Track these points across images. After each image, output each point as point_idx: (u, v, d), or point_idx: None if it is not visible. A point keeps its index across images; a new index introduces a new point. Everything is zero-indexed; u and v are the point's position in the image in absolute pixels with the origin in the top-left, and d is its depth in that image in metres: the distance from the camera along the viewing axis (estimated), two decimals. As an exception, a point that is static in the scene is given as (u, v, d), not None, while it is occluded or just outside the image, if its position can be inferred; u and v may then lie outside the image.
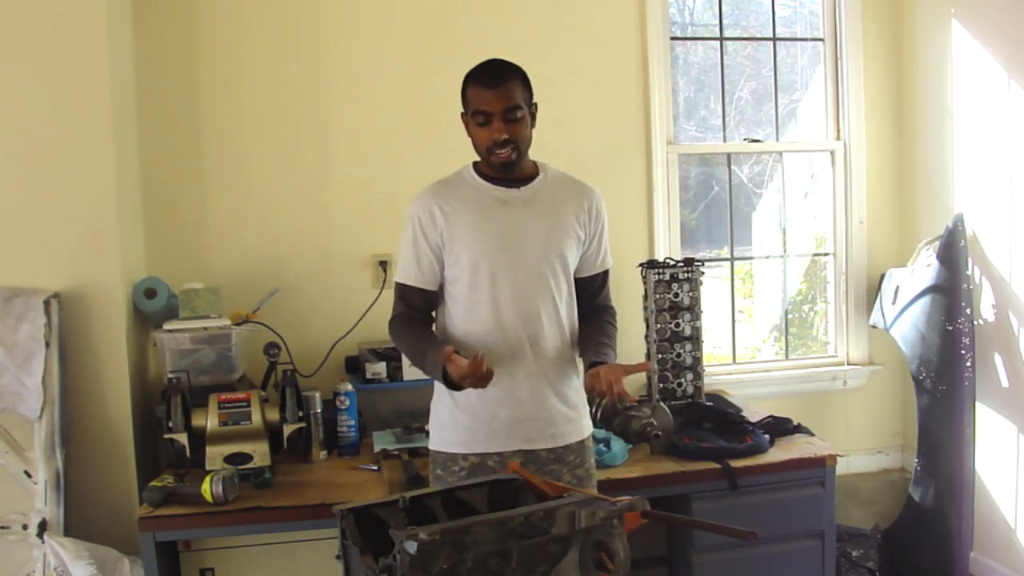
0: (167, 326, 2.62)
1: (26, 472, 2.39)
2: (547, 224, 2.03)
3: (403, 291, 2.08)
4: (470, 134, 2.03)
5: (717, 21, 3.46)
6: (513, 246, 2.00)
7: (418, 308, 2.08)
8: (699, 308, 2.99)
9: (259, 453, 2.44)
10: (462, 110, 2.05)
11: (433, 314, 2.13)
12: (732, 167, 3.51)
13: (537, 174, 2.08)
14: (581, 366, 2.16)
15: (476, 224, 2.01)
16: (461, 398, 2.02)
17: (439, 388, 2.09)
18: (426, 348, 2.00)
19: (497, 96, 1.96)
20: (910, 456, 3.37)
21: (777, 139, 3.53)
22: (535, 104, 2.05)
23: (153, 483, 2.28)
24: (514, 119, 1.97)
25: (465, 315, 2.03)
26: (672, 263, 2.99)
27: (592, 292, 2.15)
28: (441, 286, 2.08)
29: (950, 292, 2.99)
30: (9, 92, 2.44)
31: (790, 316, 3.65)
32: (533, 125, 2.04)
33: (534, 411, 2.02)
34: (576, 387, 2.11)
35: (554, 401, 2.04)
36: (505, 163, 1.99)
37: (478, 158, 2.07)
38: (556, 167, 2.14)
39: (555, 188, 2.08)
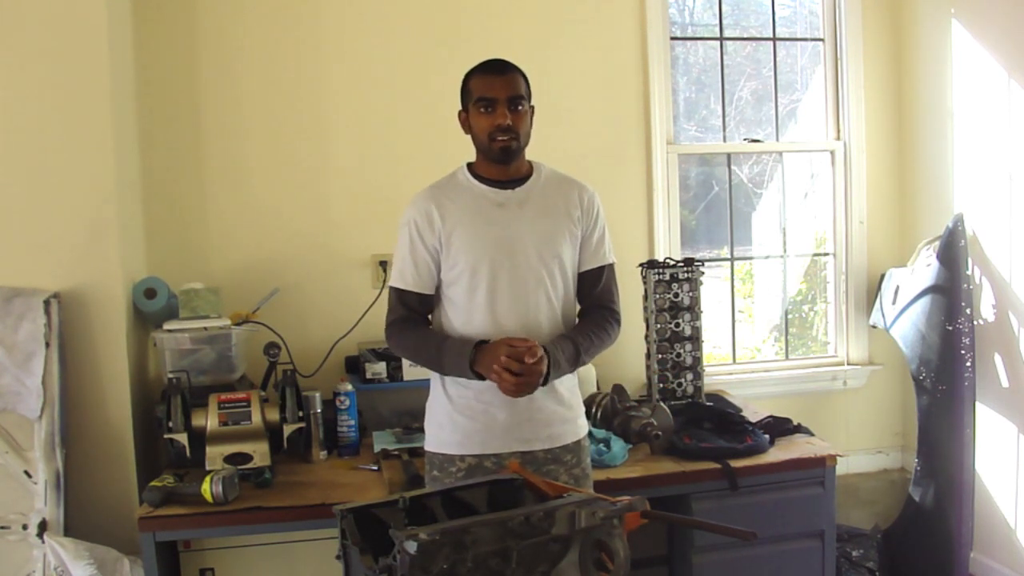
0: (167, 326, 2.62)
1: (26, 472, 2.39)
2: (543, 225, 2.03)
3: (401, 295, 2.07)
4: (469, 128, 2.04)
5: (717, 21, 3.46)
6: (510, 249, 2.00)
7: (417, 311, 2.08)
8: (699, 308, 2.99)
9: (259, 453, 2.44)
10: (460, 108, 2.05)
11: (429, 317, 2.13)
12: (732, 167, 3.51)
13: (531, 174, 2.08)
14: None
15: (473, 228, 2.01)
16: (458, 399, 2.02)
17: (435, 389, 2.09)
18: (440, 343, 2.00)
19: (503, 84, 1.98)
20: (910, 456, 3.37)
21: (777, 139, 3.53)
22: (533, 107, 2.05)
23: (153, 483, 2.28)
24: (517, 109, 1.98)
25: (463, 318, 2.03)
26: (672, 263, 2.99)
27: (590, 287, 2.13)
28: (437, 289, 2.09)
29: (950, 292, 2.99)
30: (9, 92, 2.44)
31: (790, 316, 3.65)
32: (531, 126, 2.05)
33: (531, 413, 2.01)
34: (572, 387, 2.11)
35: (551, 402, 2.04)
36: (504, 149, 1.98)
37: (475, 159, 2.08)
38: (555, 167, 2.14)
39: (549, 188, 2.08)
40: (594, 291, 2.13)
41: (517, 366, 1.88)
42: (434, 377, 2.09)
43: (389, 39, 3.06)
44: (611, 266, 2.15)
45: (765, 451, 2.58)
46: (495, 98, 1.97)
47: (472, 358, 1.93)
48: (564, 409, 2.07)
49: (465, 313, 2.02)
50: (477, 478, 1.87)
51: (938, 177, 3.31)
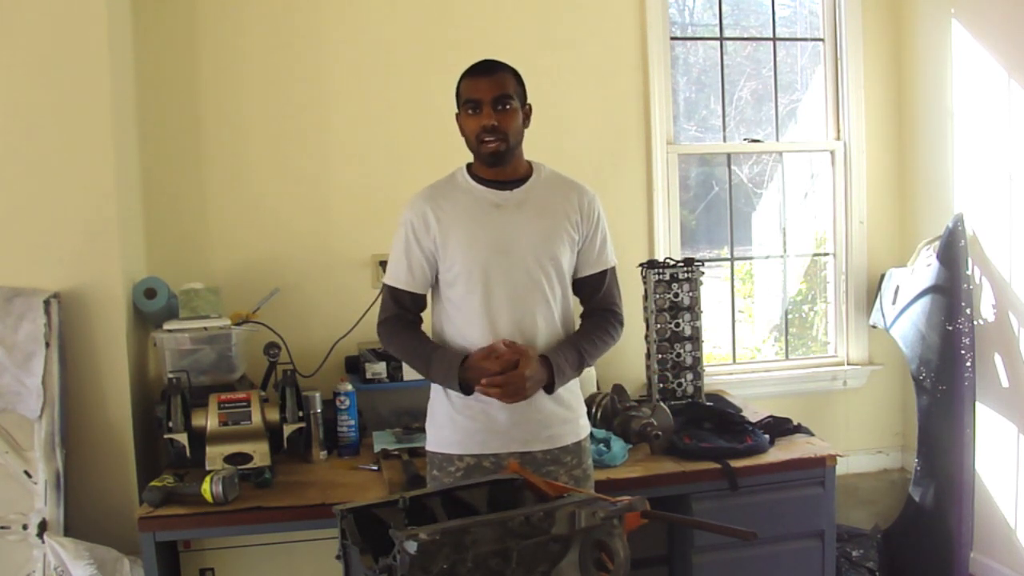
0: (167, 326, 2.62)
1: (26, 472, 2.39)
2: (540, 227, 2.03)
3: (394, 293, 2.08)
4: (462, 131, 2.04)
5: (717, 21, 3.46)
6: (506, 250, 2.00)
7: (410, 310, 2.09)
8: (699, 308, 2.99)
9: (259, 453, 2.44)
10: (456, 111, 2.05)
11: (422, 316, 2.13)
12: (732, 167, 3.51)
13: (531, 175, 2.08)
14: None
15: (470, 229, 2.01)
16: (458, 400, 2.02)
17: (435, 389, 2.10)
18: (429, 354, 2.02)
19: (488, 84, 1.98)
20: (910, 456, 3.37)
21: (777, 139, 3.53)
22: (529, 105, 2.05)
23: (153, 483, 2.28)
24: (504, 109, 1.97)
25: (460, 319, 2.03)
26: (672, 263, 2.99)
27: (591, 291, 2.14)
28: (433, 290, 2.09)
29: (950, 292, 2.99)
30: (9, 92, 2.44)
31: (790, 316, 3.65)
32: (526, 125, 2.05)
33: (530, 413, 2.01)
34: (572, 388, 2.11)
35: (550, 403, 2.04)
36: (493, 153, 1.98)
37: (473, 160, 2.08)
38: (554, 167, 2.14)
39: (548, 189, 2.08)
40: (597, 295, 2.14)
41: (501, 379, 1.91)
42: None
43: (389, 39, 3.06)
44: (613, 269, 2.16)
45: (765, 451, 2.58)
46: (480, 99, 1.97)
47: (461, 376, 1.96)
48: (564, 410, 2.07)
49: (463, 314, 2.02)
50: (476, 478, 1.88)
51: (938, 177, 3.31)
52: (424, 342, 2.07)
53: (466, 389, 1.98)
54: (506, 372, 1.92)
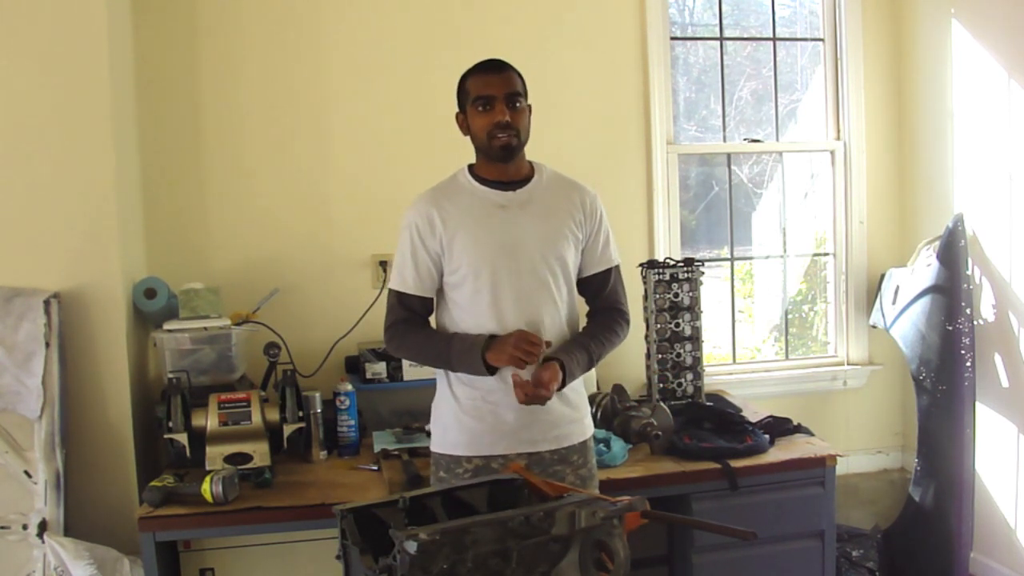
0: (167, 326, 2.62)
1: (26, 472, 2.39)
2: (545, 227, 2.03)
3: (402, 298, 2.06)
4: (467, 129, 2.03)
5: (717, 21, 3.46)
6: (512, 251, 2.00)
7: (419, 313, 2.08)
8: (699, 308, 2.99)
9: (259, 453, 2.44)
10: (457, 110, 2.05)
11: (430, 320, 2.13)
12: (732, 167, 3.51)
13: (533, 175, 2.08)
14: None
15: (475, 231, 2.01)
16: (465, 400, 2.02)
17: (441, 390, 2.09)
18: (450, 337, 2.01)
19: (500, 81, 1.98)
20: (910, 456, 3.37)
21: (777, 139, 3.53)
22: (529, 105, 2.06)
23: (153, 483, 2.28)
24: (515, 107, 1.97)
25: (468, 320, 2.03)
26: (672, 263, 2.99)
27: (595, 291, 2.14)
28: (440, 292, 2.09)
29: (950, 292, 2.99)
30: (9, 92, 2.44)
31: (790, 316, 3.65)
32: (529, 124, 2.05)
33: (538, 414, 2.01)
34: (578, 388, 2.11)
35: (557, 403, 2.03)
36: (505, 147, 1.97)
37: (475, 160, 2.08)
38: (555, 167, 2.14)
39: (551, 190, 2.08)
40: (602, 293, 2.14)
41: (533, 346, 1.89)
42: (440, 378, 2.09)
43: (388, 39, 3.06)
44: (616, 268, 2.16)
45: (765, 451, 2.58)
46: (493, 96, 1.96)
47: (485, 346, 1.93)
48: (571, 410, 2.08)
49: (470, 316, 2.02)
50: (478, 478, 1.87)
51: (938, 177, 3.31)
52: (438, 332, 2.07)
53: (489, 369, 1.95)
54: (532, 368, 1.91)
